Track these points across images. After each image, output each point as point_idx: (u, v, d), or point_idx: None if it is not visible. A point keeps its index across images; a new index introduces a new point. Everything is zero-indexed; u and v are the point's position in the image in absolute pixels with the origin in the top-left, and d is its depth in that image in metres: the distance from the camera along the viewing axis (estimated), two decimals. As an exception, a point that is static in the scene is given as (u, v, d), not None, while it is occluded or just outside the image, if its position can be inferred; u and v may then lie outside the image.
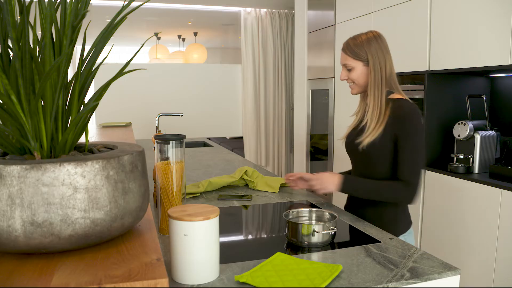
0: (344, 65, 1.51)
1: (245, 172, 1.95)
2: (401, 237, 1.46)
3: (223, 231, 1.34)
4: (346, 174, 1.60)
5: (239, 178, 1.94)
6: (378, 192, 1.41)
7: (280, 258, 1.07)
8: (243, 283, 0.94)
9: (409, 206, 1.53)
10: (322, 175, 1.48)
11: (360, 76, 1.48)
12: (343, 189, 1.45)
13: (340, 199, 3.42)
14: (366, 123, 1.47)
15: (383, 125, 1.42)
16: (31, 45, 0.62)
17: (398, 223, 1.47)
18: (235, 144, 6.33)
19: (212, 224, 0.93)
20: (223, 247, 1.20)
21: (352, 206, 1.59)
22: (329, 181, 1.46)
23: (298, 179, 1.56)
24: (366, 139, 1.45)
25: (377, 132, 1.43)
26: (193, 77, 5.00)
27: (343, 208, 1.66)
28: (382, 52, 1.46)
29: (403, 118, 1.39)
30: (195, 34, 7.06)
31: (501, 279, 2.06)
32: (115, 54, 7.95)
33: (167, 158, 1.23)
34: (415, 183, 1.38)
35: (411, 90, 2.65)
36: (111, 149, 0.76)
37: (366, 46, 1.45)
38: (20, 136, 0.63)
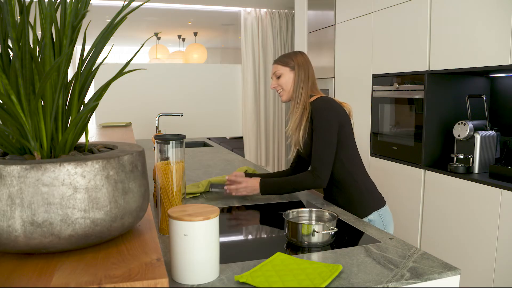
0: (274, 74, 1.72)
1: (245, 172, 1.95)
2: (375, 213, 1.59)
3: (223, 231, 1.34)
4: (267, 177, 1.79)
5: None
6: (289, 186, 1.61)
7: (280, 258, 1.07)
8: (243, 283, 0.94)
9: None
10: (247, 181, 1.67)
11: (288, 81, 1.68)
12: (263, 192, 1.65)
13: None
14: (289, 124, 1.68)
15: (303, 123, 1.61)
16: (31, 45, 0.62)
17: (366, 203, 1.62)
18: (235, 144, 6.33)
19: (212, 224, 0.93)
20: (223, 247, 1.20)
21: (327, 196, 1.74)
22: (253, 187, 1.65)
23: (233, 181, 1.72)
24: (294, 137, 1.65)
25: (300, 131, 1.62)
26: (193, 77, 5.00)
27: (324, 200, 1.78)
28: (306, 64, 1.69)
29: (314, 114, 1.59)
30: (195, 34, 7.06)
31: (501, 279, 2.06)
32: (115, 54, 7.95)
33: (167, 158, 1.23)
34: (320, 169, 1.56)
35: (411, 90, 2.65)
36: (111, 149, 0.76)
37: (293, 57, 1.69)
38: (20, 136, 0.63)
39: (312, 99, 1.65)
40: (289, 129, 1.66)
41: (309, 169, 1.67)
